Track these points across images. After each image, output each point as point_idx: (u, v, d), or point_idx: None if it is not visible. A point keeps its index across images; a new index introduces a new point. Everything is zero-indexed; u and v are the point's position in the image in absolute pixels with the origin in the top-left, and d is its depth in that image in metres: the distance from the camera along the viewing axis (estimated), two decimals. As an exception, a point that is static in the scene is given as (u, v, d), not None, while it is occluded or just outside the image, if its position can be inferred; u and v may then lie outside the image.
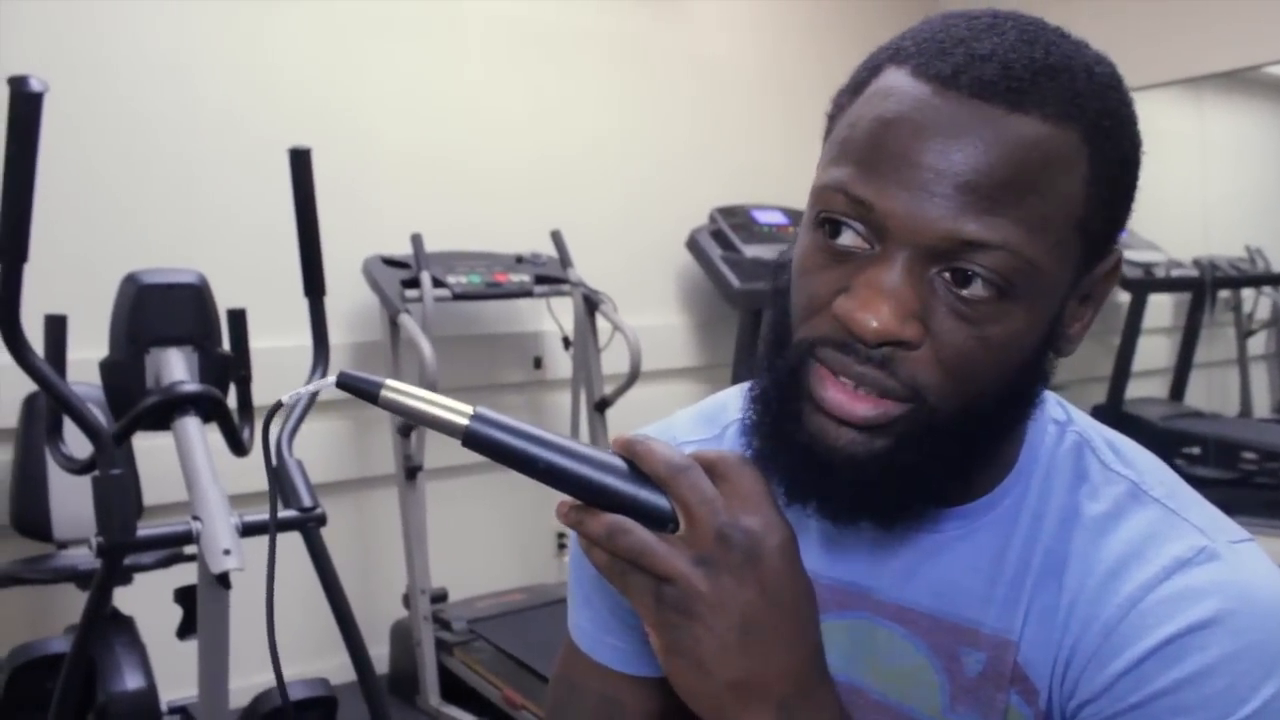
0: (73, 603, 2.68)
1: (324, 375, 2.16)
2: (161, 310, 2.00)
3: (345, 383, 0.61)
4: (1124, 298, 4.46)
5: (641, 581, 0.60)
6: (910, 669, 0.76)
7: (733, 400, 0.90)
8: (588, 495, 0.61)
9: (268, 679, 2.32)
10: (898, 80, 0.66)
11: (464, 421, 0.61)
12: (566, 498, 0.62)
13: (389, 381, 0.60)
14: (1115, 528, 0.71)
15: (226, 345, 2.13)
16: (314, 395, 2.15)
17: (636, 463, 0.62)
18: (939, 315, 0.64)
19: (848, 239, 0.66)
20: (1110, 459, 0.75)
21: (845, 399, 0.65)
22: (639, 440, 0.62)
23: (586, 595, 0.89)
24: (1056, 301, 0.67)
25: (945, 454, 0.68)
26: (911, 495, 0.70)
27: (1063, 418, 0.78)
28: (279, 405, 0.62)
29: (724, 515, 0.60)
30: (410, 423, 0.62)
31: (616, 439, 0.64)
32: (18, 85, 1.67)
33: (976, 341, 0.64)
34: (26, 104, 1.67)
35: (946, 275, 0.64)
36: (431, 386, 2.85)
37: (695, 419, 0.90)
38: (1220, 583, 0.67)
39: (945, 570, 0.75)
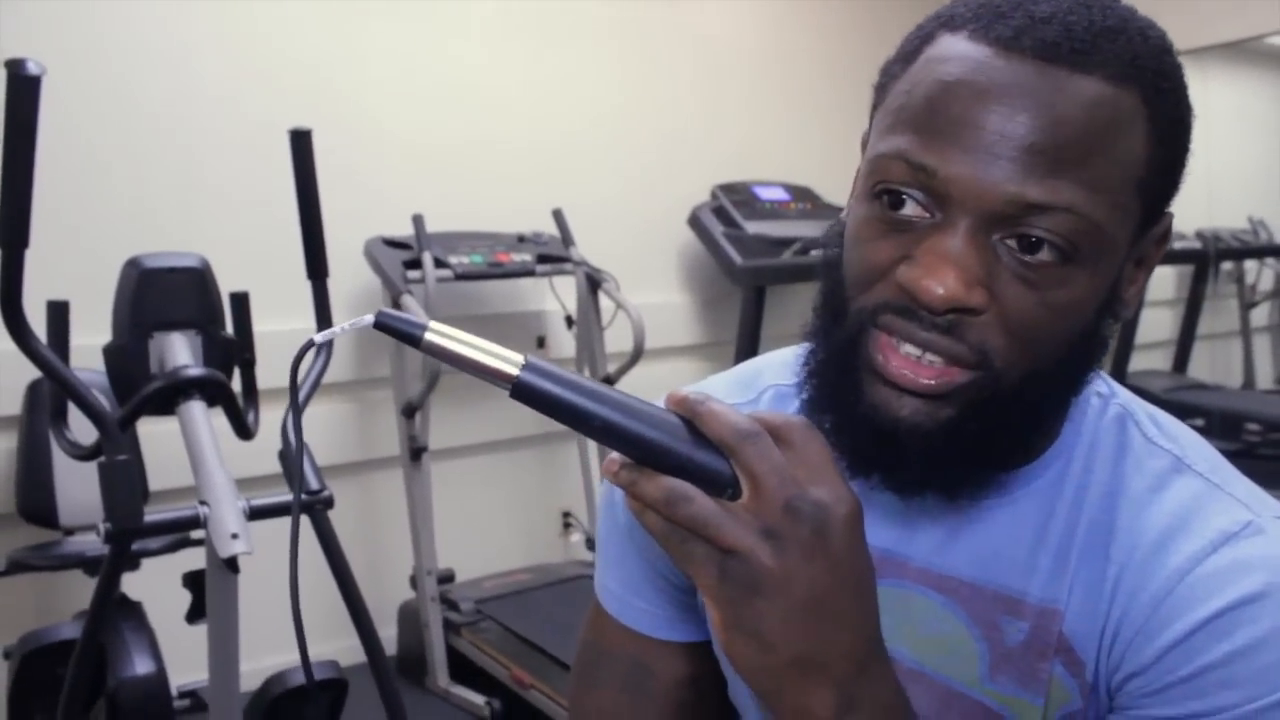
0: (80, 589, 2.68)
1: (327, 358, 2.15)
2: (164, 294, 1.98)
3: (384, 323, 0.56)
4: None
5: (703, 552, 0.57)
6: (948, 637, 0.75)
7: (769, 366, 0.89)
8: (643, 455, 0.57)
9: (278, 662, 2.31)
10: (955, 45, 0.65)
11: (514, 371, 0.56)
12: (615, 454, 0.59)
13: (433, 324, 0.56)
14: (1159, 500, 0.71)
15: (230, 329, 2.12)
16: (320, 375, 2.13)
17: (698, 424, 0.58)
18: (1003, 281, 0.64)
19: (908, 209, 0.65)
20: (1153, 432, 0.75)
21: (909, 369, 0.64)
22: (699, 400, 0.59)
23: (617, 556, 0.87)
24: (1116, 265, 0.67)
25: (1009, 421, 0.67)
26: (978, 464, 0.69)
27: (1105, 390, 0.77)
28: (309, 345, 0.58)
29: (793, 486, 0.57)
30: (455, 369, 0.57)
31: (672, 396, 0.60)
32: (15, 68, 1.65)
33: (1041, 307, 0.64)
34: (24, 87, 1.65)
35: (1010, 241, 0.64)
36: (434, 367, 2.84)
37: (731, 383, 0.89)
38: (1267, 556, 0.66)
39: (986, 538, 0.74)
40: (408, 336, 0.56)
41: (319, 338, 0.59)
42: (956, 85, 0.64)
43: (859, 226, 0.68)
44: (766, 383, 0.87)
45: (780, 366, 0.88)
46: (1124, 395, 0.78)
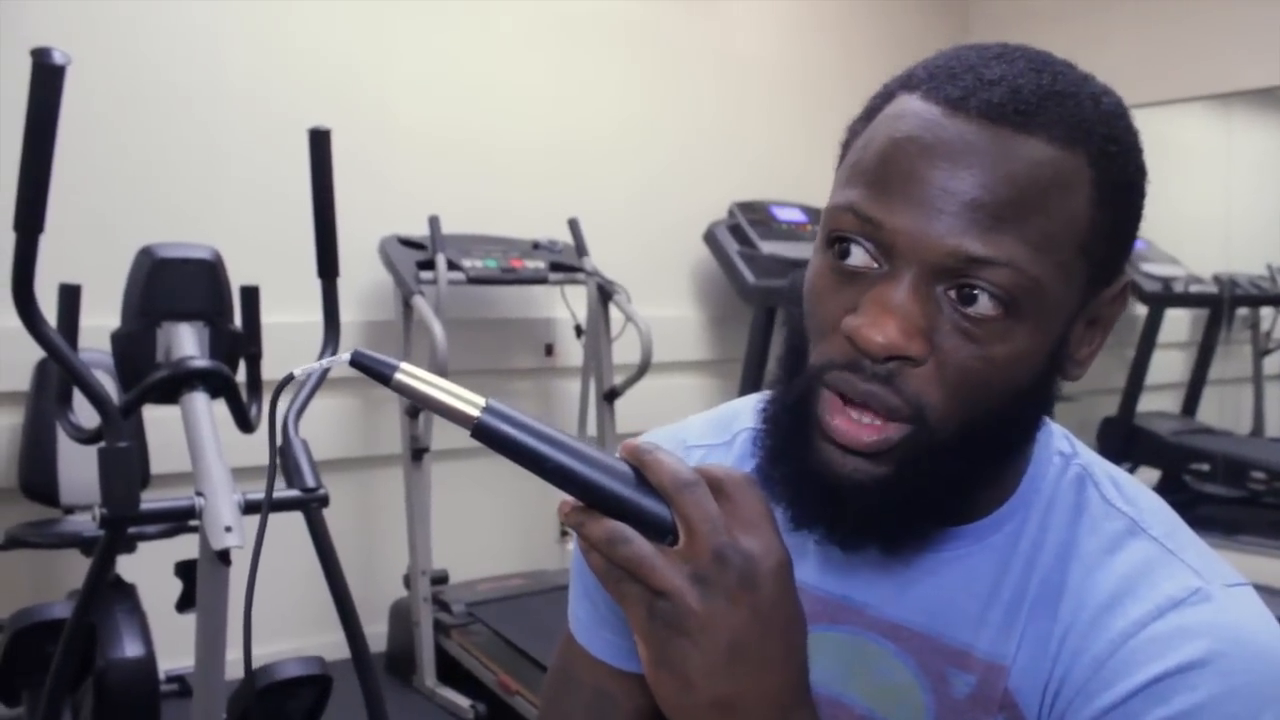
0: (77, 567, 2.70)
1: (334, 356, 2.16)
2: (175, 284, 2.01)
3: (359, 362, 0.59)
4: (1140, 311, 4.44)
5: (636, 592, 0.60)
6: (898, 687, 0.76)
7: (745, 409, 0.90)
8: (592, 499, 0.61)
9: (267, 652, 2.34)
10: (909, 104, 0.68)
11: (475, 413, 0.60)
12: (568, 497, 0.62)
13: (404, 365, 0.59)
14: (1111, 562, 0.72)
15: (238, 322, 2.14)
16: (324, 374, 2.15)
17: (643, 472, 0.62)
18: (944, 333, 0.65)
19: (857, 259, 0.68)
20: (1112, 494, 0.76)
21: (851, 427, 0.67)
22: (647, 450, 0.62)
23: (586, 588, 0.89)
24: (1061, 323, 0.68)
25: (947, 474, 0.69)
26: (915, 517, 0.71)
27: (1068, 450, 0.78)
28: (289, 378, 0.61)
29: (724, 535, 0.60)
30: (420, 407, 0.60)
31: (626, 444, 0.63)
32: (40, 57, 1.67)
33: (981, 360, 0.66)
34: (48, 76, 1.67)
35: (953, 294, 0.65)
36: (441, 369, 2.86)
37: (707, 424, 0.91)
38: (1212, 624, 0.67)
39: (940, 590, 0.75)
40: (379, 375, 0.59)
41: (299, 372, 0.61)
42: (905, 142, 0.66)
43: (815, 277, 0.71)
44: (742, 425, 0.89)
45: (757, 410, 0.89)
46: (1086, 455, 0.79)
